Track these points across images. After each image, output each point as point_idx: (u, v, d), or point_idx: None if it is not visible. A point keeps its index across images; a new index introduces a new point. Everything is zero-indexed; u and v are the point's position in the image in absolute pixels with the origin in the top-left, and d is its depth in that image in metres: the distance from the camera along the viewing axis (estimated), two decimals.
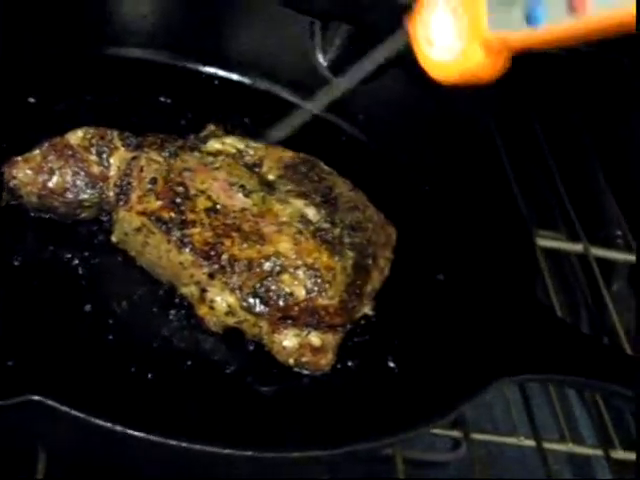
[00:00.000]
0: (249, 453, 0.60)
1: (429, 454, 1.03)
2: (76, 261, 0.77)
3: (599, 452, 0.97)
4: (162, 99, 0.95)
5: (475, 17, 0.50)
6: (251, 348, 0.76)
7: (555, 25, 0.46)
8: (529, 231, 0.90)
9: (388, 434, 0.67)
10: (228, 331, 0.76)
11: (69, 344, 0.71)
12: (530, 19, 0.47)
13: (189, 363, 0.73)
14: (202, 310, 0.75)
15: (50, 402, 0.57)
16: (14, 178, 0.76)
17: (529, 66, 0.95)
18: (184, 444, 0.58)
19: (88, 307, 0.74)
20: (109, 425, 0.58)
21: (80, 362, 0.69)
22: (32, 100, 0.88)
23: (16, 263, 0.75)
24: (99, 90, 0.93)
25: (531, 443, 0.91)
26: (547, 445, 0.94)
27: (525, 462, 1.04)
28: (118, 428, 0.58)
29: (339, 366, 0.77)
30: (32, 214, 0.78)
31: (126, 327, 0.74)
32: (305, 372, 0.75)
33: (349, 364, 0.78)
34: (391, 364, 0.79)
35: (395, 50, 0.60)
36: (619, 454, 0.99)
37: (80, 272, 0.76)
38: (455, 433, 0.93)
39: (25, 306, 0.72)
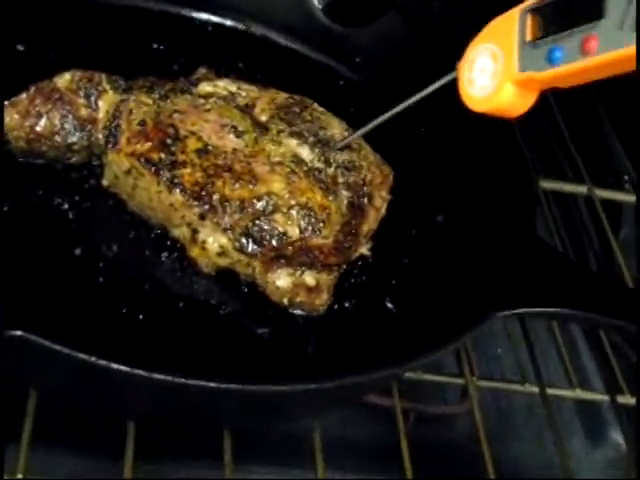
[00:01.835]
0: (233, 386, 0.58)
1: (437, 407, 1.02)
2: (66, 205, 0.76)
3: (607, 398, 0.95)
4: (155, 46, 0.94)
5: (508, 60, 0.63)
6: (245, 290, 0.75)
7: (571, 65, 0.58)
8: (528, 169, 0.88)
9: (380, 366, 0.65)
10: (221, 272, 0.75)
11: (59, 286, 0.70)
12: (550, 61, 0.59)
13: (181, 305, 0.72)
14: (194, 251, 0.74)
15: (33, 337, 0.56)
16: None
17: None
18: (169, 378, 0.57)
19: (78, 251, 0.73)
20: (93, 359, 0.56)
21: (70, 303, 0.69)
22: (21, 48, 0.87)
23: (5, 208, 0.73)
24: (91, 38, 0.91)
25: (537, 390, 0.90)
26: (554, 391, 0.93)
27: (534, 412, 1.04)
28: (102, 362, 0.57)
29: (335, 307, 0.76)
30: (21, 159, 0.77)
31: (117, 270, 0.73)
32: (300, 313, 0.74)
33: (346, 305, 0.77)
34: (389, 305, 0.78)
35: (442, 85, 0.71)
36: (627, 399, 0.97)
37: (70, 216, 0.75)
38: (460, 381, 0.91)
39: (15, 250, 0.70)
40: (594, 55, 0.56)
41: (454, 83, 0.69)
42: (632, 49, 0.53)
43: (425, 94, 0.72)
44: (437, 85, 0.71)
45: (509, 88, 0.64)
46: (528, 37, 0.62)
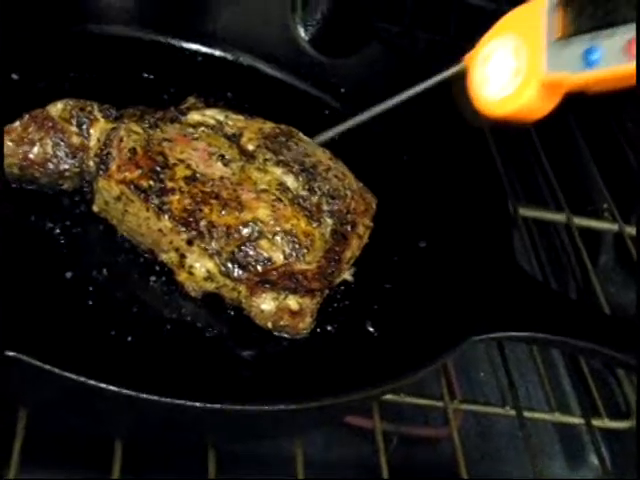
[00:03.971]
0: (218, 406, 0.60)
1: (420, 429, 1.04)
2: (58, 230, 0.78)
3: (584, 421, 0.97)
4: (145, 75, 0.96)
5: (534, 57, 0.55)
6: (231, 313, 0.77)
7: (611, 68, 0.50)
8: (506, 197, 0.90)
9: (359, 388, 0.67)
10: (208, 296, 0.77)
11: (49, 309, 0.72)
12: (588, 62, 0.51)
13: (169, 327, 0.74)
14: (181, 276, 0.76)
15: (25, 358, 0.58)
16: None
17: None
18: (155, 397, 0.59)
19: (69, 274, 0.75)
20: (82, 379, 0.58)
21: (60, 325, 0.70)
22: (15, 77, 0.89)
23: None
24: (82, 67, 0.93)
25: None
26: (533, 414, 0.95)
27: (515, 435, 1.05)
28: (91, 382, 0.58)
29: (318, 330, 0.78)
30: (14, 185, 0.79)
31: (106, 293, 0.75)
32: (284, 336, 0.76)
33: (328, 328, 0.79)
34: (370, 328, 0.80)
35: (445, 79, 0.63)
36: (605, 422, 0.99)
37: (61, 241, 0.77)
38: (442, 404, 0.93)
39: (7, 273, 0.72)
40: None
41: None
42: None
43: (427, 86, 0.65)
44: (440, 78, 0.63)
45: (533, 89, 0.56)
46: (559, 33, 0.53)
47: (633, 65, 0.49)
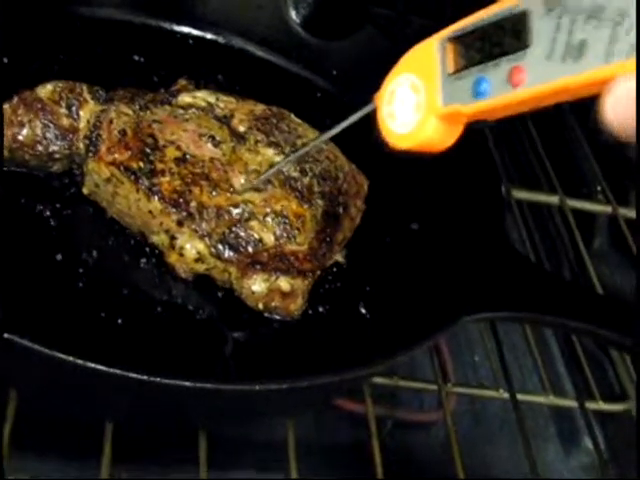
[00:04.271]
0: (209, 385, 0.60)
1: (413, 414, 1.04)
2: (48, 212, 0.77)
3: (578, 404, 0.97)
4: (135, 58, 0.95)
5: (431, 92, 0.57)
6: (221, 295, 0.77)
7: (499, 98, 0.53)
8: (499, 178, 0.90)
9: (350, 367, 0.67)
10: (198, 278, 0.77)
11: (39, 291, 0.71)
12: (477, 93, 0.54)
13: (159, 309, 0.74)
14: (172, 257, 0.76)
15: (17, 338, 0.58)
16: None
17: None
18: (145, 377, 0.59)
19: (59, 256, 0.75)
20: (71, 359, 0.58)
21: (50, 308, 0.70)
22: (5, 60, 0.88)
23: None
24: (73, 50, 0.93)
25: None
26: (527, 397, 0.95)
27: (509, 418, 1.05)
28: (80, 362, 0.58)
29: (310, 312, 0.78)
30: (4, 168, 0.78)
31: (96, 275, 0.74)
32: (276, 317, 0.76)
33: (320, 310, 0.79)
34: (362, 310, 0.80)
35: (362, 117, 0.65)
36: (600, 405, 0.99)
37: (52, 223, 0.77)
38: (435, 387, 0.93)
39: None
40: (524, 87, 0.51)
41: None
42: (564, 80, 0.49)
43: (345, 125, 0.68)
44: (355, 117, 0.66)
45: (433, 123, 0.58)
46: (450, 68, 0.56)
47: (517, 93, 0.51)
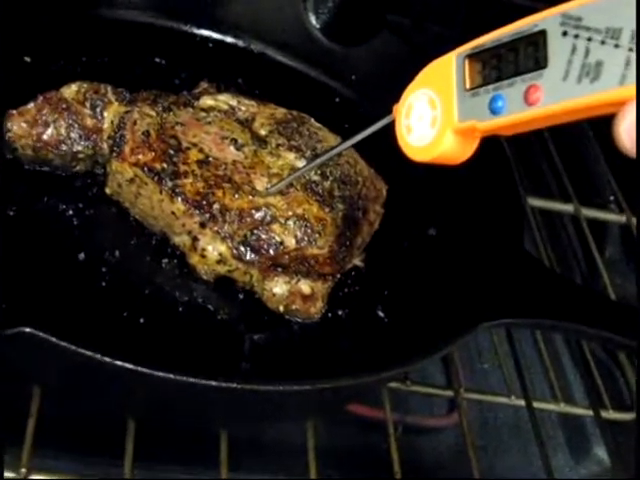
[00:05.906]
0: (233, 385, 0.61)
1: (424, 419, 1.04)
2: (71, 212, 0.78)
3: (591, 412, 0.97)
4: (157, 60, 0.96)
5: (448, 108, 0.59)
6: (242, 296, 0.78)
7: (515, 115, 0.54)
8: (517, 186, 0.90)
9: (369, 371, 0.68)
10: (219, 279, 0.77)
11: (62, 290, 0.72)
12: (493, 110, 0.55)
13: (180, 310, 0.75)
14: (194, 259, 0.76)
15: (41, 334, 0.58)
16: (9, 131, 0.77)
17: None
18: (171, 375, 0.59)
19: (82, 256, 0.75)
20: (98, 356, 0.58)
21: (73, 306, 0.71)
22: (28, 59, 0.89)
23: (11, 213, 0.76)
24: (95, 51, 0.93)
25: (523, 403, 0.92)
26: (539, 405, 0.95)
27: (519, 426, 1.06)
28: (107, 359, 0.59)
29: (329, 315, 0.78)
30: (27, 167, 0.79)
31: (119, 275, 0.75)
32: (296, 320, 0.76)
33: (339, 313, 0.79)
34: (380, 313, 0.80)
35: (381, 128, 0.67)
36: (610, 414, 1.00)
37: (75, 223, 0.78)
38: (448, 393, 0.94)
39: (20, 254, 0.73)
40: (539, 106, 0.52)
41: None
42: (579, 101, 0.50)
43: (363, 136, 0.69)
44: (374, 128, 0.67)
45: (449, 137, 0.59)
46: (467, 84, 0.58)
47: (533, 111, 0.52)
